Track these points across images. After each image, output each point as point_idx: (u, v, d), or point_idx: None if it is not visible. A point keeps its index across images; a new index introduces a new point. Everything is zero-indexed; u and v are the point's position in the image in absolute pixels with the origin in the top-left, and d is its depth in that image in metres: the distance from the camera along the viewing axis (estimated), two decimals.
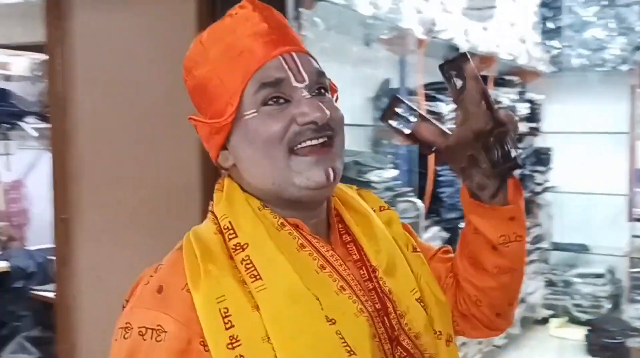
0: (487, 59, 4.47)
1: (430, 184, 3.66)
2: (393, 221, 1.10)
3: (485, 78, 0.94)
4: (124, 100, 2.31)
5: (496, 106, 0.93)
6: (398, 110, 0.98)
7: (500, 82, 4.95)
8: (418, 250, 1.09)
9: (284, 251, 0.90)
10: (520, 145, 5.01)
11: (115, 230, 2.36)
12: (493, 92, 4.66)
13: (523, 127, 5.11)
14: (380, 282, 0.97)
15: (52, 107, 2.47)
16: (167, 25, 2.18)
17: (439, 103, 3.65)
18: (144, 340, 0.85)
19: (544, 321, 5.47)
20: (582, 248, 5.56)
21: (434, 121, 0.96)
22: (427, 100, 3.62)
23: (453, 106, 0.97)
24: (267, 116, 0.92)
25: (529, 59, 5.11)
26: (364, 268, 0.98)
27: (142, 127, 2.27)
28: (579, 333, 5.04)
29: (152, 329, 0.85)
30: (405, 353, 0.95)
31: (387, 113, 0.99)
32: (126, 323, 0.88)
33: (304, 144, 0.91)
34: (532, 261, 5.18)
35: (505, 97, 4.80)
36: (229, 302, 0.86)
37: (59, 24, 2.38)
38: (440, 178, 3.68)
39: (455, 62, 0.96)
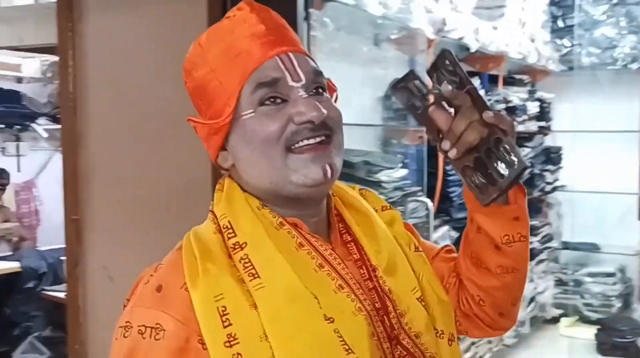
0: (496, 58, 4.47)
1: (439, 183, 3.66)
2: (395, 220, 1.10)
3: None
4: (135, 101, 2.33)
5: (489, 111, 0.91)
6: (412, 85, 0.97)
7: (510, 81, 4.95)
8: (420, 249, 1.09)
9: (282, 250, 0.91)
10: (530, 144, 5.02)
11: (127, 230, 2.37)
12: (503, 91, 4.65)
13: (533, 126, 5.10)
14: (380, 281, 0.97)
15: (63, 108, 2.48)
16: (178, 28, 2.18)
17: None
18: (144, 338, 0.86)
19: (554, 320, 5.46)
20: (593, 247, 5.54)
21: (449, 110, 0.94)
22: None
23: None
24: (264, 116, 0.92)
25: (538, 57, 5.09)
26: (364, 267, 0.98)
27: (153, 128, 2.28)
28: (589, 332, 5.02)
29: (151, 328, 0.86)
30: (405, 353, 0.95)
31: (400, 85, 0.98)
32: (126, 322, 0.89)
33: (301, 144, 0.92)
34: (542, 261, 5.17)
35: (515, 96, 4.79)
36: (227, 301, 0.86)
37: (70, 26, 2.39)
38: (450, 178, 3.68)
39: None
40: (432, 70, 0.96)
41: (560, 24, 5.46)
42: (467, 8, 3.93)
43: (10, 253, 5.10)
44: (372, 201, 1.11)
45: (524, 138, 5.02)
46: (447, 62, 0.95)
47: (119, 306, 0.95)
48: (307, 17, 2.26)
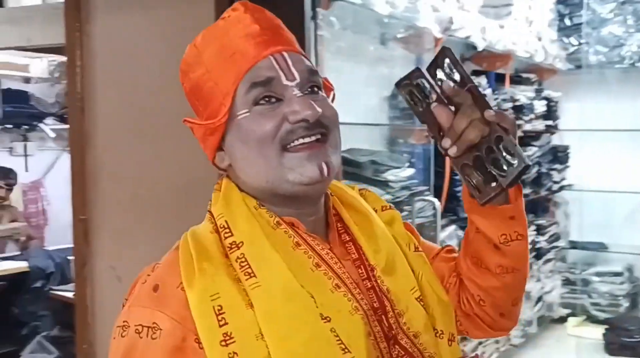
0: (503, 57, 4.46)
1: (447, 183, 3.66)
2: (395, 220, 1.10)
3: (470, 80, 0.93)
4: (143, 101, 2.33)
5: (490, 110, 0.91)
6: (416, 82, 0.97)
7: (517, 80, 4.94)
8: (420, 249, 1.09)
9: (279, 250, 0.91)
10: (537, 143, 5.00)
11: (135, 230, 2.37)
12: (510, 90, 4.64)
13: (540, 125, 5.09)
14: (379, 281, 0.97)
15: (71, 108, 2.49)
16: (185, 29, 2.18)
17: None
18: (141, 337, 0.86)
19: (562, 320, 5.44)
20: (600, 247, 5.52)
21: (451, 107, 0.94)
22: None
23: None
24: (259, 115, 0.92)
25: (545, 56, 5.08)
26: (362, 267, 0.98)
27: (161, 128, 2.28)
28: (597, 332, 5.00)
29: (148, 327, 0.86)
30: (403, 352, 0.95)
31: (404, 82, 0.98)
32: (123, 321, 0.89)
33: (296, 143, 0.92)
34: (549, 260, 5.16)
35: (522, 95, 4.78)
36: (223, 300, 0.86)
37: (78, 26, 2.40)
38: (457, 177, 3.66)
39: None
40: (433, 68, 0.96)
41: (567, 22, 5.44)
42: (474, 7, 3.93)
43: (18, 252, 5.12)
44: (371, 201, 1.11)
45: (531, 137, 5.01)
46: (448, 60, 0.95)
47: None
48: (314, 17, 2.26)
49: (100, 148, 2.43)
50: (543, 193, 5.08)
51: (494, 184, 0.93)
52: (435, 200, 3.37)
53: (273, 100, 0.93)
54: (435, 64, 0.96)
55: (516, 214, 0.99)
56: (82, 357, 2.49)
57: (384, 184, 3.08)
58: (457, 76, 0.94)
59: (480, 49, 4.05)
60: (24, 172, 5.74)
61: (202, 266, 0.88)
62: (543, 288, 5.09)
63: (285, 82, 0.93)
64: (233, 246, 0.91)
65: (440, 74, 0.95)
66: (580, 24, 5.40)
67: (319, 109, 0.92)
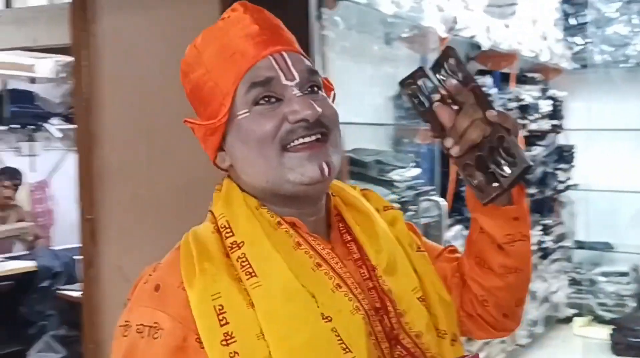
0: (509, 57, 4.45)
1: (452, 182, 3.65)
2: (397, 220, 1.10)
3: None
4: (149, 100, 2.34)
5: (492, 110, 0.92)
6: (419, 82, 0.98)
7: (522, 80, 4.93)
8: (422, 249, 1.09)
9: (279, 250, 0.91)
10: (542, 142, 4.99)
11: (141, 229, 2.38)
12: (515, 89, 4.64)
13: (545, 124, 5.08)
14: (380, 281, 0.97)
15: (77, 108, 2.49)
16: (191, 29, 2.18)
17: None
18: (142, 337, 0.87)
19: (568, 320, 5.43)
20: (606, 246, 5.51)
21: (454, 107, 0.94)
22: None
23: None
24: (259, 115, 0.92)
25: (551, 55, 5.08)
26: (364, 266, 0.98)
27: (168, 127, 2.29)
28: (604, 332, 4.99)
29: (149, 327, 0.87)
30: (405, 352, 0.95)
31: (408, 81, 0.98)
32: (125, 321, 0.90)
33: (296, 142, 0.92)
34: (555, 260, 5.15)
35: (527, 94, 4.78)
36: (224, 299, 0.86)
37: (84, 26, 2.41)
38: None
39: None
40: (436, 67, 0.96)
41: (572, 21, 5.43)
42: (479, 6, 3.93)
43: (26, 252, 5.13)
44: (374, 201, 1.10)
45: (536, 137, 5.00)
46: (451, 60, 0.95)
47: None
48: (319, 17, 2.27)
49: (106, 148, 2.43)
50: (549, 192, 5.07)
51: (495, 184, 0.93)
52: (441, 200, 3.37)
53: (273, 100, 0.93)
54: (439, 63, 0.96)
55: (520, 215, 1.00)
56: (89, 356, 2.49)
57: (390, 184, 3.09)
58: (460, 76, 0.94)
59: (485, 48, 4.05)
60: (30, 172, 5.76)
61: (203, 266, 0.89)
62: (549, 288, 5.07)
63: (284, 82, 0.93)
64: (234, 246, 0.91)
65: (443, 73, 0.96)
66: (586, 23, 5.39)
67: (319, 109, 0.92)
